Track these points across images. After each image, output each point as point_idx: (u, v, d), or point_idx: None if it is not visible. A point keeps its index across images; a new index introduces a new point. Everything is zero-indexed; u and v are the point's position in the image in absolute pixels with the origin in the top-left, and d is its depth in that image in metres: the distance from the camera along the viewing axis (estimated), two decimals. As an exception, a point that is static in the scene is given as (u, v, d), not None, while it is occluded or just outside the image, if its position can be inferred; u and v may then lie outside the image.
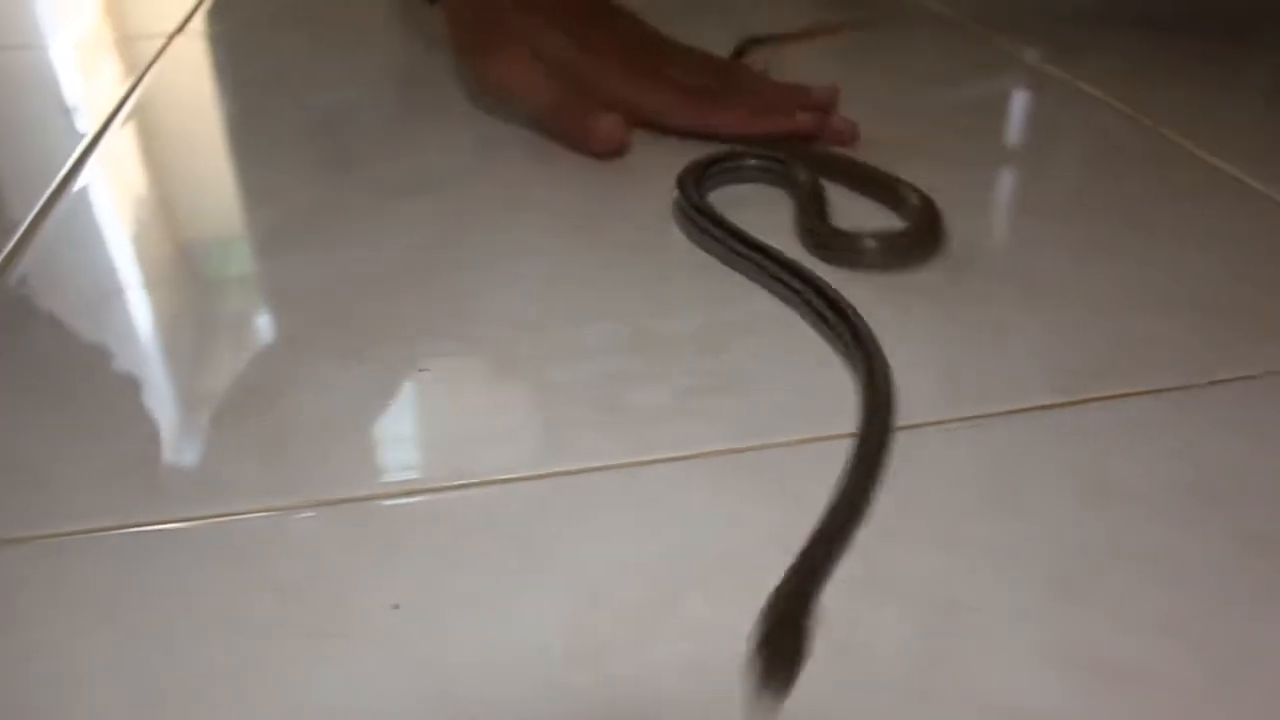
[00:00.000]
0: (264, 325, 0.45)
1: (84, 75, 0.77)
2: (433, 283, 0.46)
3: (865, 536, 0.31)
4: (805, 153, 0.54)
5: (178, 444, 0.37)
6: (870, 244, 0.45)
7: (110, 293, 0.47)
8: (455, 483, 0.35)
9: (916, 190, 0.49)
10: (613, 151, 0.55)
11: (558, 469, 0.35)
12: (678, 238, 0.49)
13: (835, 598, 0.29)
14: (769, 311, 0.44)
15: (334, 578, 0.31)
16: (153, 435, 0.37)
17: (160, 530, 0.33)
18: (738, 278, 0.45)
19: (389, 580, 0.31)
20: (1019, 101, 0.69)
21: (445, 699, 0.27)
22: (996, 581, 0.30)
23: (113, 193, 0.57)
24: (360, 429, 0.37)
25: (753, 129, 0.56)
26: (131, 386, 0.40)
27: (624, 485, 0.34)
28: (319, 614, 0.30)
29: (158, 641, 0.29)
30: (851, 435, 0.35)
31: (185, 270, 0.50)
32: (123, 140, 0.63)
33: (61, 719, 0.27)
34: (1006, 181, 0.58)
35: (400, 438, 0.37)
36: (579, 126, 0.55)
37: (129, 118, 0.66)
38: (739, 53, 0.68)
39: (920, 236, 0.46)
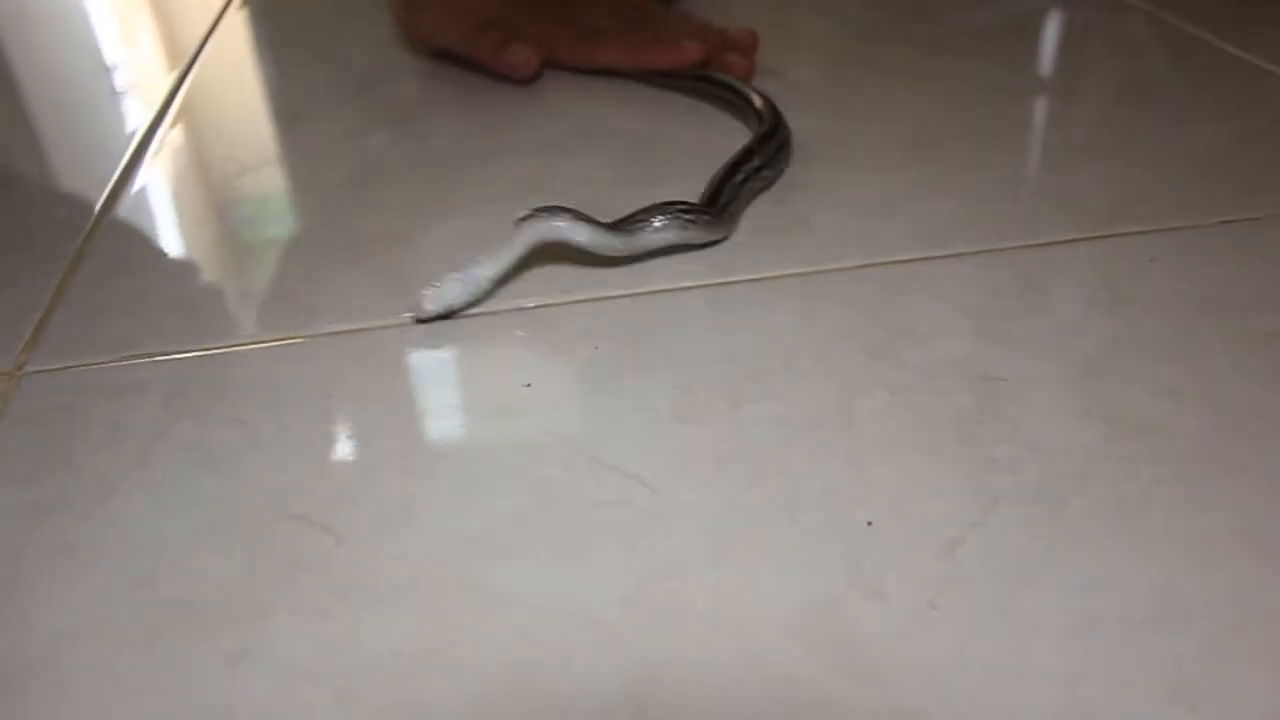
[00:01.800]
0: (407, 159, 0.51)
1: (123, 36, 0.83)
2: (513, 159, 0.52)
3: (918, 329, 0.38)
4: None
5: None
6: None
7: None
8: (564, 299, 0.41)
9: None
10: (528, 76, 0.60)
11: (653, 288, 0.41)
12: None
13: (899, 378, 0.35)
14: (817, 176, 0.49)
15: (480, 368, 0.37)
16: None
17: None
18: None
19: (522, 368, 0.37)
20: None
21: (573, 447, 0.33)
22: (1029, 360, 0.36)
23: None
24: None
25: (632, 60, 0.59)
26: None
27: (709, 301, 0.40)
28: (477, 390, 0.36)
29: (375, 420, 0.36)
30: (899, 260, 0.42)
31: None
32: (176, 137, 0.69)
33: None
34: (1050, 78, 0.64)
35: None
36: (497, 57, 0.60)
37: (178, 115, 0.72)
38: None
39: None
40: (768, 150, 0.48)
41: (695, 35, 0.58)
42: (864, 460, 0.32)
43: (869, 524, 0.30)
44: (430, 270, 0.41)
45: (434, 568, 0.29)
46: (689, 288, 0.41)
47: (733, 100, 0.56)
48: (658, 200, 0.43)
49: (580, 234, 0.40)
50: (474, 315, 0.40)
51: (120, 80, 0.70)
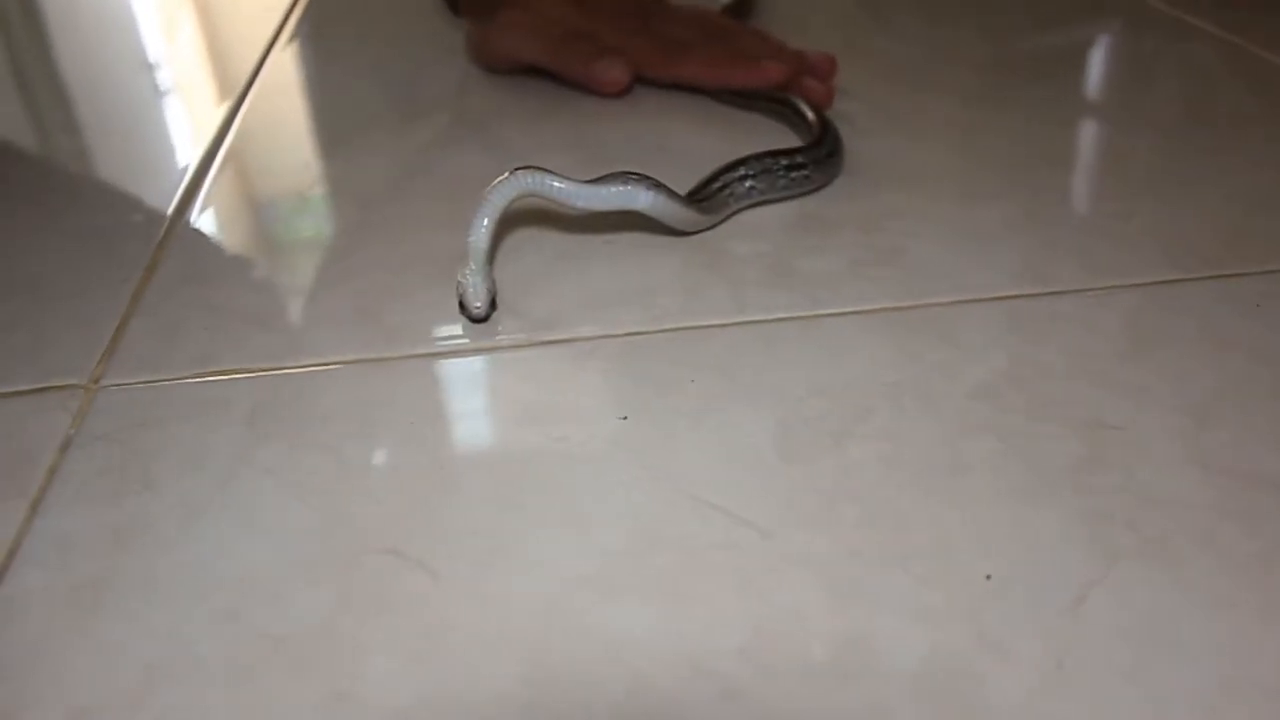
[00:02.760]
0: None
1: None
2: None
3: (1020, 374, 0.36)
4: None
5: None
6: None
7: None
8: (655, 327, 0.40)
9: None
10: (618, 91, 0.59)
11: (748, 319, 0.40)
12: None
13: (1000, 417, 0.34)
14: (905, 203, 0.48)
15: (574, 397, 0.36)
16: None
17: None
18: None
19: (617, 399, 0.36)
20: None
21: (677, 485, 0.32)
22: (1138, 406, 0.35)
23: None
24: (571, 287, 0.43)
25: (713, 77, 0.58)
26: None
27: (804, 332, 0.39)
28: (566, 419, 0.35)
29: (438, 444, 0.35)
30: (997, 297, 0.40)
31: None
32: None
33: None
34: (1114, 102, 0.62)
35: (601, 293, 0.42)
36: (586, 70, 0.59)
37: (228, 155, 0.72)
38: (731, 10, 0.69)
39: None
40: (809, 154, 0.48)
41: (774, 55, 0.57)
42: (976, 508, 0.31)
43: (987, 578, 0.28)
44: (511, 288, 0.40)
45: (538, 609, 0.28)
46: (783, 319, 0.40)
47: (796, 121, 0.54)
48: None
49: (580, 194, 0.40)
50: (564, 341, 0.39)
51: (175, 80, 0.69)
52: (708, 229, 0.46)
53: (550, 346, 0.39)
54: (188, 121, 0.64)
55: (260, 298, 0.43)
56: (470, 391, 0.37)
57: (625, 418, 0.35)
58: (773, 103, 0.57)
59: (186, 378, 0.38)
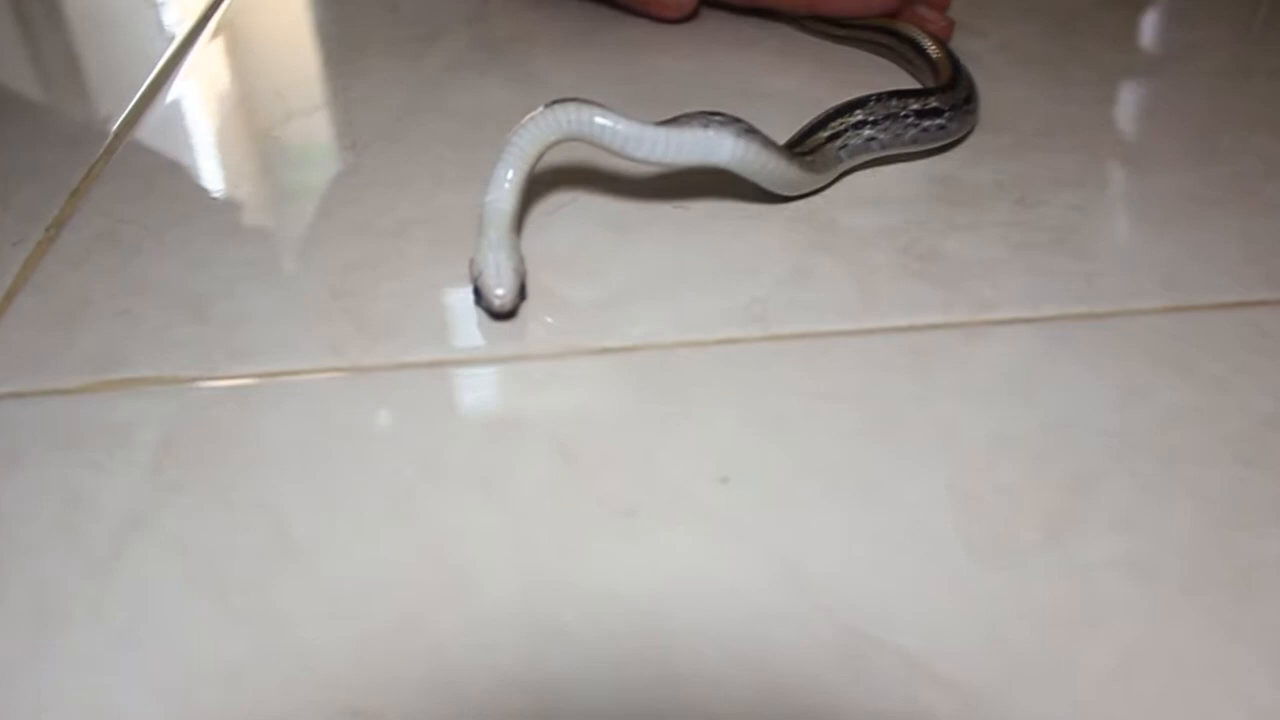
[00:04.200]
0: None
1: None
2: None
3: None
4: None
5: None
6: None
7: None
8: (759, 334, 0.28)
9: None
10: (682, 15, 0.48)
11: (886, 324, 0.28)
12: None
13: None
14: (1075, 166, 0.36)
15: (642, 437, 0.24)
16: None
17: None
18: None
19: (714, 447, 0.24)
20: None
21: (819, 606, 0.20)
22: None
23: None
24: (630, 271, 0.30)
25: (807, 2, 0.46)
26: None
27: (968, 346, 0.27)
28: (632, 481, 0.23)
29: (434, 486, 0.23)
30: (1229, 304, 0.28)
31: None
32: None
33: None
34: None
35: (672, 280, 0.30)
36: None
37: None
38: None
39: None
40: (944, 98, 0.36)
41: None
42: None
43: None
44: (545, 270, 0.28)
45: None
46: (937, 326, 0.28)
47: (914, 60, 0.42)
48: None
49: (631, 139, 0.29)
50: (621, 350, 0.27)
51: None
52: (812, 193, 0.34)
53: (602, 357, 0.27)
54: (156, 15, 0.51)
55: (203, 273, 0.31)
56: (487, 425, 0.25)
57: (725, 479, 0.23)
58: (877, 34, 0.44)
59: (73, 389, 0.26)
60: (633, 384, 0.26)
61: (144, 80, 0.43)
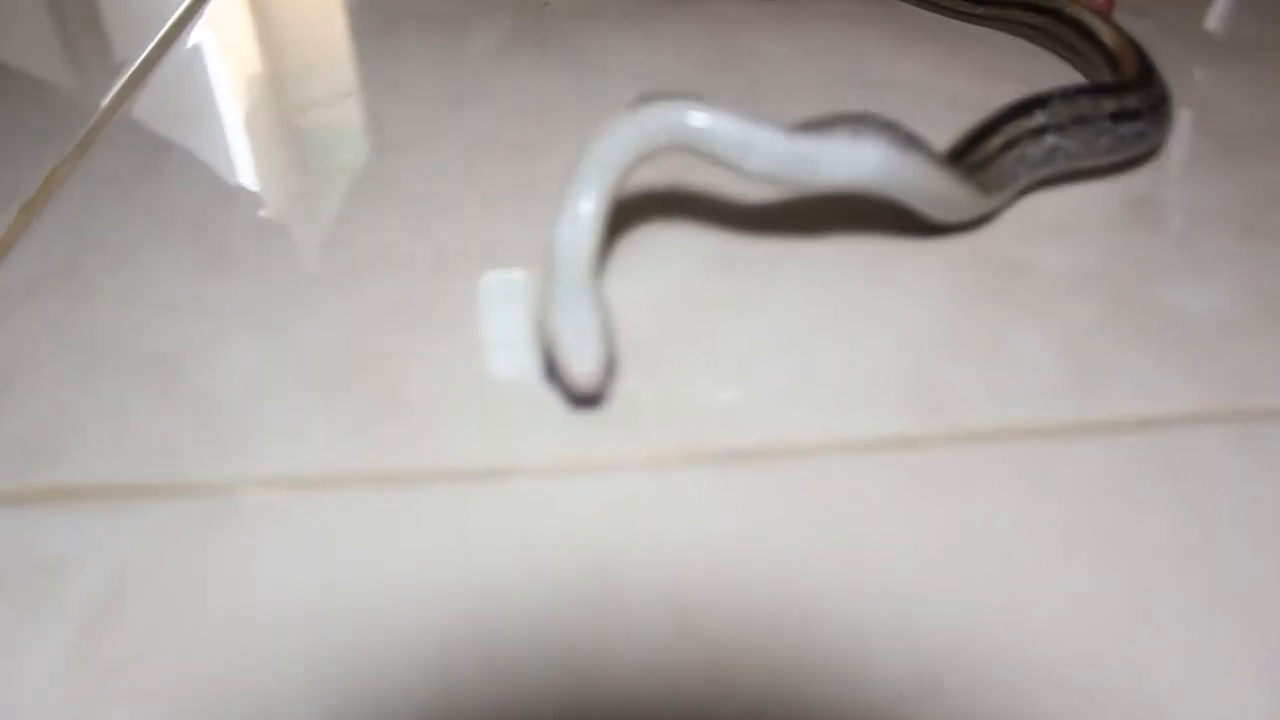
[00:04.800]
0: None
1: None
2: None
3: None
4: None
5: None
6: None
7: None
8: (944, 430, 0.20)
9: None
10: None
11: (1117, 414, 0.20)
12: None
13: None
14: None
15: (808, 593, 0.16)
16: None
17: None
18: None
19: (917, 629, 0.16)
20: None
21: None
22: None
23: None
24: (783, 348, 0.22)
25: None
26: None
27: (1238, 450, 0.19)
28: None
29: None
30: None
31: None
32: None
33: None
34: None
35: (818, 345, 0.22)
36: None
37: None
38: None
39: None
40: (1135, 98, 0.27)
41: None
42: None
43: None
44: (640, 332, 0.20)
45: None
46: (1183, 417, 0.20)
47: (1078, 46, 0.34)
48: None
49: (759, 151, 0.21)
50: (777, 452, 0.19)
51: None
52: (975, 221, 0.26)
53: (730, 466, 0.19)
54: None
55: (174, 320, 0.23)
56: (580, 574, 0.17)
57: (940, 688, 0.15)
58: (1028, 12, 0.36)
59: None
60: (778, 508, 0.18)
61: (141, 50, 0.36)
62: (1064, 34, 0.34)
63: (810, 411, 0.20)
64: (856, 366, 0.21)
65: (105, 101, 0.33)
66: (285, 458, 0.20)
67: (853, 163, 0.22)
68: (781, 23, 0.37)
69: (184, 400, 0.21)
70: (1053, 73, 0.34)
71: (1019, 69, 0.34)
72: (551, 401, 0.21)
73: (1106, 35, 0.32)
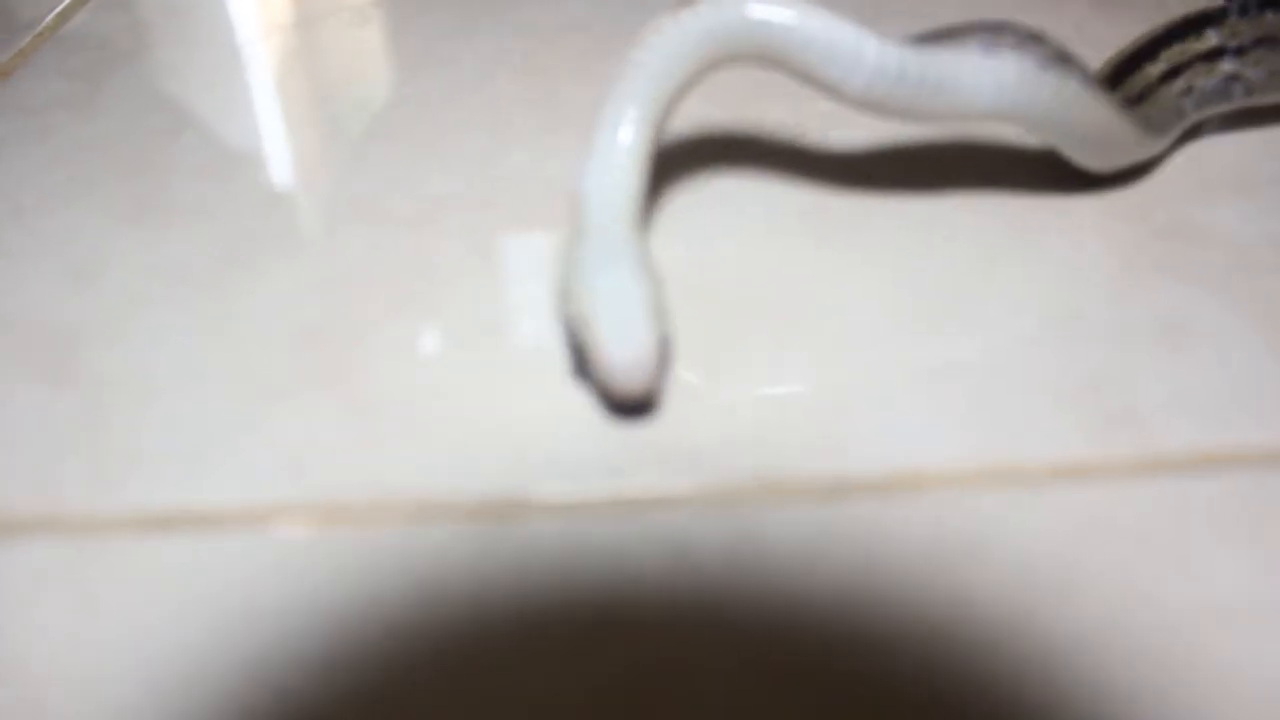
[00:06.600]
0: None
1: None
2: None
3: None
4: None
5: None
6: None
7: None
8: (1135, 453, 0.14)
9: None
10: None
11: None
12: None
13: None
14: None
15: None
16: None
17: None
18: None
19: None
20: None
21: None
22: None
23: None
24: (896, 336, 0.16)
25: None
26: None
27: None
28: None
29: None
30: None
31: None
32: None
33: None
34: None
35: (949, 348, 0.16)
36: None
37: None
38: None
39: None
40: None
41: None
42: None
43: None
44: (694, 321, 0.14)
45: None
46: None
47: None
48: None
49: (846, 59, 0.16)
50: (907, 481, 0.13)
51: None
52: (1131, 170, 0.20)
53: (847, 504, 0.13)
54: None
55: (91, 295, 0.17)
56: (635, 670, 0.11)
57: None
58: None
59: None
60: (919, 564, 0.12)
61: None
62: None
63: (935, 429, 0.14)
64: (997, 364, 0.16)
65: (48, 19, 0.27)
66: (202, 486, 0.14)
67: (989, 82, 0.16)
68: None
69: (69, 399, 0.15)
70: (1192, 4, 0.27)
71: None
72: (582, 407, 0.15)
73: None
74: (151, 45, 0.27)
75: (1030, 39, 0.17)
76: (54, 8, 0.28)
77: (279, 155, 0.22)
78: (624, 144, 0.16)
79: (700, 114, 0.21)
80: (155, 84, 0.25)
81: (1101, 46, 0.21)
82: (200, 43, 0.27)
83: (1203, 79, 0.20)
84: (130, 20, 0.28)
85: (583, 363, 0.15)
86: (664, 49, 0.16)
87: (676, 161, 0.20)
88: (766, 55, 0.16)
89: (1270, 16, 0.21)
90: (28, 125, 0.23)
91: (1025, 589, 0.12)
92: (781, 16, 0.16)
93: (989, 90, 0.16)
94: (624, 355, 0.13)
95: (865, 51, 0.16)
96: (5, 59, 0.25)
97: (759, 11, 0.16)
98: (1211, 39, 0.21)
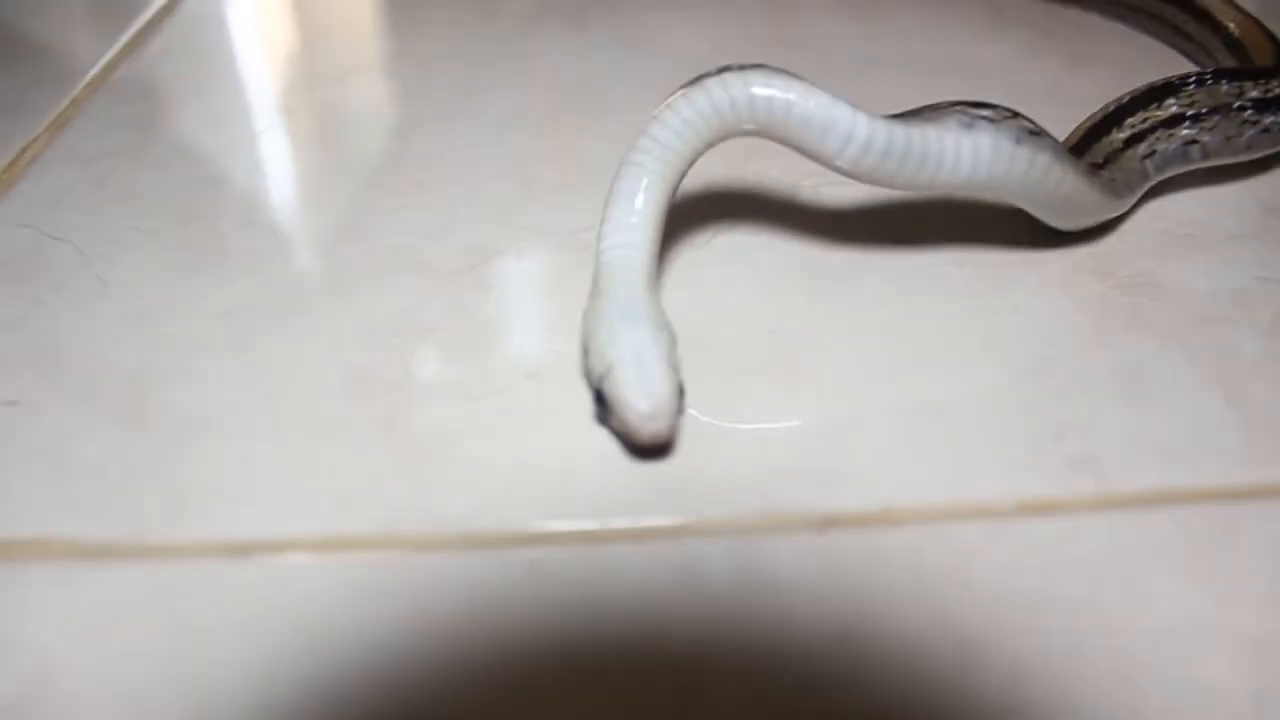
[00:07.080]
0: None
1: None
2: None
3: None
4: None
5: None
6: None
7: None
8: (1096, 494, 0.16)
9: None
10: None
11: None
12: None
13: None
14: None
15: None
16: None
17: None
18: None
19: None
20: None
21: None
22: None
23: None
24: (884, 382, 0.18)
25: None
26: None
27: None
28: None
29: None
30: None
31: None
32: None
33: None
34: None
35: (930, 391, 0.18)
36: None
37: None
38: None
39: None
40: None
41: None
42: None
43: None
44: (703, 367, 0.16)
45: None
46: None
47: (1180, 23, 0.30)
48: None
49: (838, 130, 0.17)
50: (896, 515, 0.15)
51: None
52: (1097, 228, 0.22)
53: (827, 538, 0.15)
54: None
55: (147, 339, 0.19)
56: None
57: None
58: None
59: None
60: (902, 587, 0.14)
61: (145, 9, 0.32)
62: (1169, 14, 0.30)
63: (916, 467, 0.16)
64: (981, 408, 0.17)
65: (96, 68, 0.29)
66: (243, 519, 0.16)
67: (967, 156, 0.18)
68: (852, 2, 0.33)
69: (154, 433, 0.17)
70: (1158, 60, 0.29)
71: (1117, 54, 0.30)
72: (604, 447, 0.17)
73: (1225, 15, 0.28)
74: (192, 95, 0.29)
75: (1006, 116, 0.19)
76: (100, 56, 0.30)
77: (318, 205, 0.24)
78: (639, 212, 0.17)
79: (705, 171, 0.23)
80: (198, 135, 0.27)
81: (1075, 104, 0.23)
82: (239, 94, 0.29)
83: (1164, 143, 0.23)
84: (173, 70, 0.30)
85: (604, 410, 0.16)
86: (675, 125, 0.18)
87: (684, 218, 0.22)
88: (768, 131, 0.18)
89: (1225, 86, 0.23)
90: (86, 174, 0.24)
91: (998, 612, 0.14)
92: (783, 96, 0.17)
93: (967, 163, 0.18)
94: (646, 408, 0.15)
95: (857, 129, 0.18)
96: (63, 108, 0.27)
97: (763, 90, 0.18)
98: (1172, 107, 0.23)
